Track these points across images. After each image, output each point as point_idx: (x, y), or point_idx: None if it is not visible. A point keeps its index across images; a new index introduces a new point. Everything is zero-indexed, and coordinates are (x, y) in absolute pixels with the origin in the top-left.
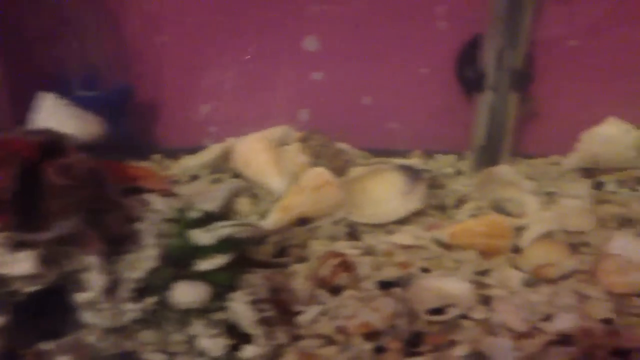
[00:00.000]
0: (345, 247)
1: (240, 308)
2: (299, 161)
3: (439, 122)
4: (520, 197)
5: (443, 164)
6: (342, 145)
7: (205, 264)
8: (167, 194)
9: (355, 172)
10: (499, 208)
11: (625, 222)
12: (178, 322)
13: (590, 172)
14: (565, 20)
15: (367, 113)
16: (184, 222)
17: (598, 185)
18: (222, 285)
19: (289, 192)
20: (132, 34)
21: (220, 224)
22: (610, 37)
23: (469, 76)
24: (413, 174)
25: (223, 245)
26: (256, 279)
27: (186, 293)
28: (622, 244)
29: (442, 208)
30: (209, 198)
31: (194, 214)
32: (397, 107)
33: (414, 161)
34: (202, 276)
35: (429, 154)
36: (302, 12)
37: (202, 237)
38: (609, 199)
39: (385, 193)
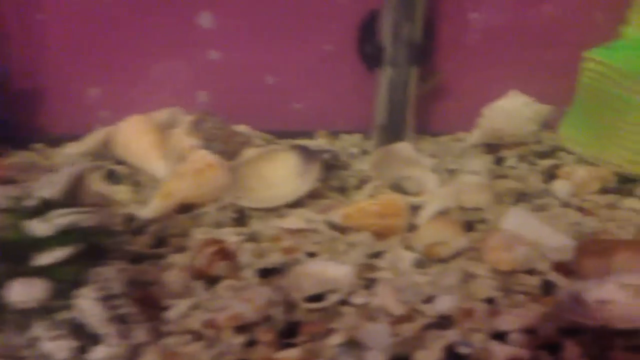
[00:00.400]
0: (229, 234)
1: (87, 305)
2: (186, 145)
3: (344, 100)
4: (420, 175)
5: (349, 144)
6: (241, 128)
7: (44, 258)
8: (4, 181)
9: (247, 154)
10: (397, 187)
11: (521, 197)
12: (17, 325)
13: (493, 147)
14: None
15: (270, 93)
16: (18, 212)
17: (498, 161)
18: (65, 281)
19: (170, 177)
20: (5, 11)
21: (59, 212)
22: (514, 10)
23: (368, 51)
24: (308, 154)
25: (64, 236)
26: (110, 272)
27: (22, 291)
28: (514, 219)
29: (343, 189)
30: (48, 183)
31: (30, 203)
32: (301, 86)
33: (319, 142)
34: (42, 272)
35: (334, 134)
36: None
37: (39, 227)
38: (507, 174)
39: (278, 175)
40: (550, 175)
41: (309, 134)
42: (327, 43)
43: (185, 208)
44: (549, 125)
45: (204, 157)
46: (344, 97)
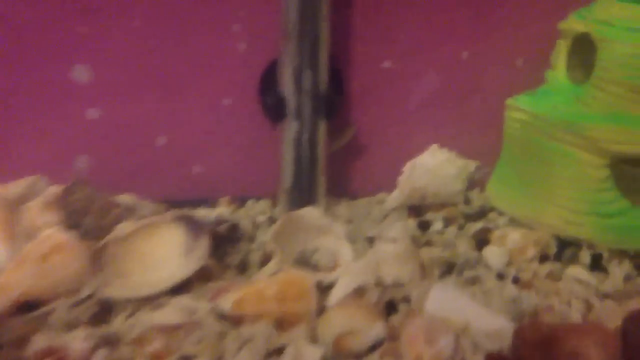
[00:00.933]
0: (79, 339)
1: None
2: (40, 222)
3: (249, 161)
4: (332, 245)
5: (255, 211)
6: (124, 198)
7: None
8: None
9: (120, 230)
10: (304, 261)
11: (449, 268)
12: None
13: (417, 210)
14: (377, 39)
15: (163, 156)
16: None
17: (423, 225)
18: None
19: (8, 266)
20: None
21: None
22: (431, 58)
23: (270, 103)
24: (195, 227)
25: None
26: None
27: None
28: (439, 298)
29: (243, 268)
30: None
31: None
32: (199, 146)
33: (220, 211)
34: None
35: (241, 200)
36: (68, 34)
37: None
38: (433, 241)
39: (158, 254)
40: (481, 240)
41: (210, 202)
42: (227, 96)
43: (27, 306)
44: (478, 183)
45: (52, 236)
46: (249, 157)
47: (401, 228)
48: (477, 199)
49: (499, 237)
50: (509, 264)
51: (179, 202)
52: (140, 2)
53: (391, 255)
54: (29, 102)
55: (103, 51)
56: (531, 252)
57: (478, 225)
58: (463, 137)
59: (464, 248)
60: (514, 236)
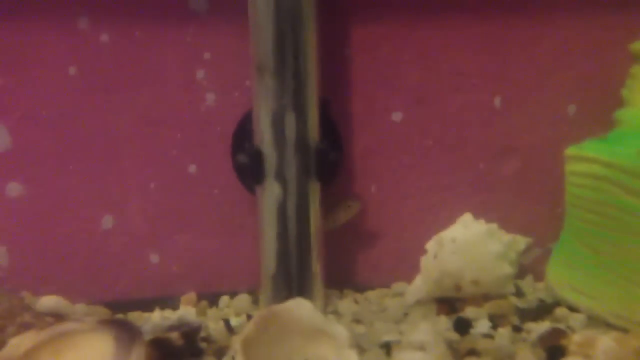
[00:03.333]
0: None
1: None
2: None
3: (220, 244)
4: (332, 354)
5: (230, 311)
6: (48, 301)
7: None
8: None
9: (19, 343)
10: None
11: None
12: None
13: (451, 303)
14: (384, 84)
15: (109, 243)
16: None
17: (462, 325)
18: None
19: None
20: None
21: None
22: (453, 105)
23: (242, 162)
24: (127, 335)
25: None
26: None
27: None
28: None
29: None
30: None
31: None
32: (157, 228)
33: (183, 312)
34: None
35: (211, 297)
36: None
37: None
38: (480, 349)
39: None
40: (554, 350)
41: (170, 302)
42: (191, 162)
43: None
44: (529, 267)
45: None
46: (222, 239)
47: (430, 330)
48: (532, 289)
49: (581, 345)
50: None
51: (128, 304)
52: (70, 44)
53: None
54: None
55: (26, 109)
56: None
57: (542, 326)
58: (500, 207)
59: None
60: (606, 343)
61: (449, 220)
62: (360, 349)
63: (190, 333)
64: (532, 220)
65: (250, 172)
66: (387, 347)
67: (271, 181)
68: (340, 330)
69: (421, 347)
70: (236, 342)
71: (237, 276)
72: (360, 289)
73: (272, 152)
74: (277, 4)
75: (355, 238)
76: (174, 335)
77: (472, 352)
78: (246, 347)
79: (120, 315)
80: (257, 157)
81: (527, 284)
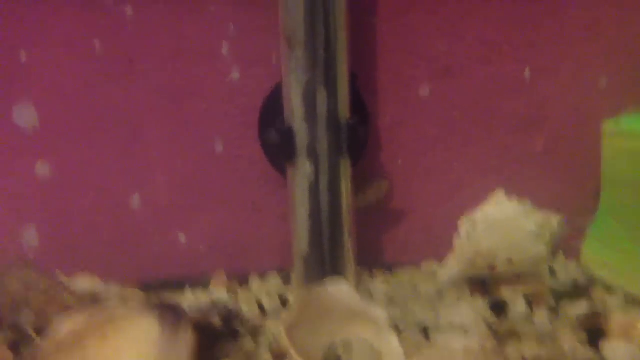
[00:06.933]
0: None
1: None
2: None
3: (249, 224)
4: (371, 336)
5: (261, 292)
6: (82, 281)
7: None
8: None
9: (67, 327)
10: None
11: None
12: None
13: (484, 284)
14: (410, 57)
15: (137, 222)
16: None
17: (498, 307)
18: None
19: None
20: None
21: None
22: (484, 76)
23: (272, 140)
24: (174, 319)
25: None
26: None
27: None
28: None
29: None
30: None
31: None
32: (184, 206)
33: (214, 293)
34: None
35: (240, 277)
36: (6, 63)
37: None
38: (520, 331)
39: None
40: (594, 332)
41: (200, 281)
42: (218, 140)
43: None
44: (560, 245)
45: None
46: (250, 218)
47: (471, 312)
48: (564, 269)
49: (622, 327)
50: None
51: (158, 284)
52: (94, 17)
53: (463, 355)
54: None
55: (51, 87)
56: None
57: (579, 307)
58: (529, 182)
59: (570, 343)
60: None
61: (477, 195)
62: (397, 331)
63: (229, 316)
64: (562, 195)
65: (280, 149)
66: (425, 329)
67: (303, 159)
68: (380, 313)
69: (462, 329)
70: (279, 325)
71: (264, 255)
72: (388, 267)
73: (303, 128)
74: None
75: (381, 215)
76: (213, 318)
77: (513, 333)
78: (290, 328)
79: (151, 295)
80: (288, 135)
81: (559, 262)
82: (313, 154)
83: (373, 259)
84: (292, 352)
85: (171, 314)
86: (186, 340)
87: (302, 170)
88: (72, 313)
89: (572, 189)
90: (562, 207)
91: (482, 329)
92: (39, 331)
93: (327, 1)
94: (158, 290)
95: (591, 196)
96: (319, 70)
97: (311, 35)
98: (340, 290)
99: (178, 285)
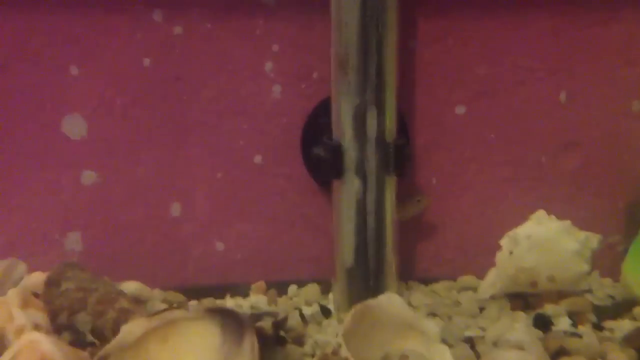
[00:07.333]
0: None
1: None
2: (16, 323)
3: (287, 234)
4: (424, 348)
5: (300, 300)
6: (130, 286)
7: None
8: None
9: (129, 331)
10: None
11: None
12: None
13: (523, 299)
14: (447, 77)
15: (177, 230)
16: None
17: (542, 322)
18: None
19: None
20: None
21: None
22: (514, 99)
23: (319, 157)
24: (236, 324)
25: None
26: None
27: None
28: None
29: None
30: None
31: None
32: (223, 216)
33: (255, 300)
34: None
35: (279, 286)
36: (58, 76)
37: None
38: (570, 348)
39: None
40: None
41: (239, 289)
42: (258, 152)
43: None
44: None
45: (30, 346)
46: (288, 229)
47: (527, 329)
48: (601, 286)
49: None
50: None
51: (197, 289)
52: (144, 35)
53: None
54: (11, 161)
55: (97, 99)
56: None
57: (623, 324)
58: (561, 202)
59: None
60: None
61: (510, 214)
62: (447, 343)
63: (279, 323)
64: (593, 215)
65: (327, 165)
66: (471, 342)
67: (351, 176)
68: (431, 326)
69: (519, 346)
70: (338, 334)
71: (300, 265)
72: (422, 281)
73: (352, 147)
74: None
75: (415, 230)
76: (265, 325)
77: (562, 351)
78: (348, 338)
79: (193, 301)
80: (337, 152)
81: (593, 280)
82: (361, 172)
83: (408, 272)
84: (351, 356)
85: (233, 321)
86: (249, 345)
87: (350, 187)
88: (133, 316)
89: (602, 208)
90: (593, 225)
91: (539, 347)
92: (97, 334)
93: (380, 27)
94: (199, 297)
95: (623, 216)
96: (370, 93)
97: (364, 60)
98: (392, 303)
99: (218, 292)
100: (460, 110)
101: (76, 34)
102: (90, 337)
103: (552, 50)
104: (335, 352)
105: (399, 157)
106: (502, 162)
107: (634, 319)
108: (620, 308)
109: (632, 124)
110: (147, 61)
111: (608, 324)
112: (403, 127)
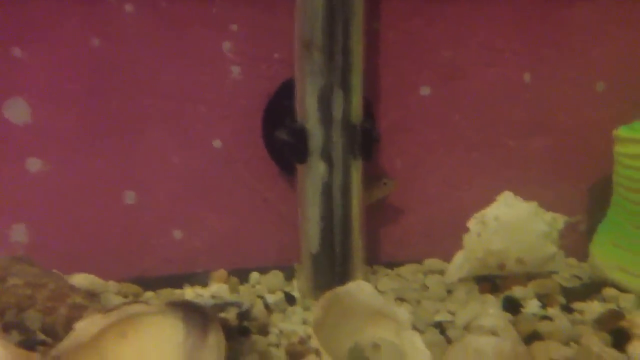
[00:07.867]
0: None
1: None
2: None
3: (247, 221)
4: (394, 335)
5: (263, 288)
6: (80, 279)
7: None
8: None
9: (81, 331)
10: None
11: None
12: None
13: (491, 281)
14: (412, 59)
15: (132, 219)
16: None
17: (512, 305)
18: None
19: None
20: None
21: None
22: (486, 77)
23: (282, 140)
24: (200, 319)
25: None
26: None
27: None
28: None
29: None
30: None
31: None
32: (181, 204)
33: (216, 289)
34: None
35: (240, 274)
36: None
37: None
38: (543, 331)
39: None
40: (618, 334)
41: (199, 278)
42: (216, 136)
43: None
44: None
45: None
46: (249, 216)
47: (501, 314)
48: (567, 266)
49: None
50: None
51: (154, 280)
52: (92, 13)
53: (494, 357)
54: None
55: (43, 80)
56: None
57: (592, 306)
58: (527, 184)
59: (596, 344)
60: None
61: (476, 197)
62: (419, 330)
63: (244, 314)
64: (559, 197)
65: (291, 149)
66: (440, 327)
67: (316, 159)
68: (402, 313)
69: (493, 332)
70: (310, 326)
71: (262, 252)
72: (386, 265)
73: (317, 129)
74: None
75: (380, 213)
76: (231, 316)
77: (535, 335)
78: (318, 328)
79: (150, 292)
80: (301, 135)
81: (559, 261)
82: (327, 156)
83: (373, 256)
84: (323, 353)
85: (196, 314)
86: (216, 343)
87: (315, 171)
88: (87, 311)
89: (568, 190)
90: (559, 207)
91: (513, 332)
92: (48, 332)
93: (346, 9)
94: (156, 287)
95: (586, 196)
96: (336, 74)
97: (330, 41)
98: (362, 291)
99: (176, 282)
100: (425, 91)
101: (18, 13)
102: (41, 336)
103: (517, 31)
104: (302, 342)
105: (365, 140)
106: (468, 145)
107: (604, 300)
108: (588, 289)
109: (597, 105)
110: (96, 42)
111: (577, 305)
112: (368, 109)
